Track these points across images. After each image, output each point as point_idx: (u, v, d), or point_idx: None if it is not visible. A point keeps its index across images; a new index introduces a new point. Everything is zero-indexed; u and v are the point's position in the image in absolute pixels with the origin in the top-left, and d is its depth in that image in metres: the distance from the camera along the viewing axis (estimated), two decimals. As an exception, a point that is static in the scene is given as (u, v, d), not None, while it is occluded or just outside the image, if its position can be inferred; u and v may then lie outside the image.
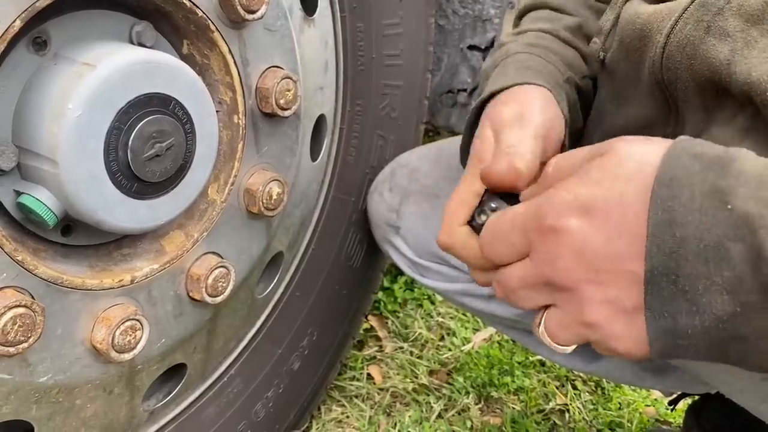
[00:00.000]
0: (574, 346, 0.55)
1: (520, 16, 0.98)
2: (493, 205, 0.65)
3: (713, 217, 0.45)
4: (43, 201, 0.70)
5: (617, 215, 0.48)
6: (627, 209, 0.48)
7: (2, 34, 0.62)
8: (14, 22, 0.63)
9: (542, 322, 0.55)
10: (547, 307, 0.55)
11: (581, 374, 1.60)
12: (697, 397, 1.25)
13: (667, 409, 1.48)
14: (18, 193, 0.71)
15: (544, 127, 0.72)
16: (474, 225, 0.67)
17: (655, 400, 1.58)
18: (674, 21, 0.66)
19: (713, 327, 0.46)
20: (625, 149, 0.50)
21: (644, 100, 0.74)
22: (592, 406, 1.53)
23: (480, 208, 0.67)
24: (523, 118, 0.72)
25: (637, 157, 0.49)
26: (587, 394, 1.56)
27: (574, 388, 1.57)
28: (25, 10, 0.63)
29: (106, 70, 0.69)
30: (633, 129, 0.76)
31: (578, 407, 1.52)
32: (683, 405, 1.31)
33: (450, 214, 0.70)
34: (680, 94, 0.69)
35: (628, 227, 0.48)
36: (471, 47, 1.46)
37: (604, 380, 1.60)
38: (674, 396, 1.24)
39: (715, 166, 0.46)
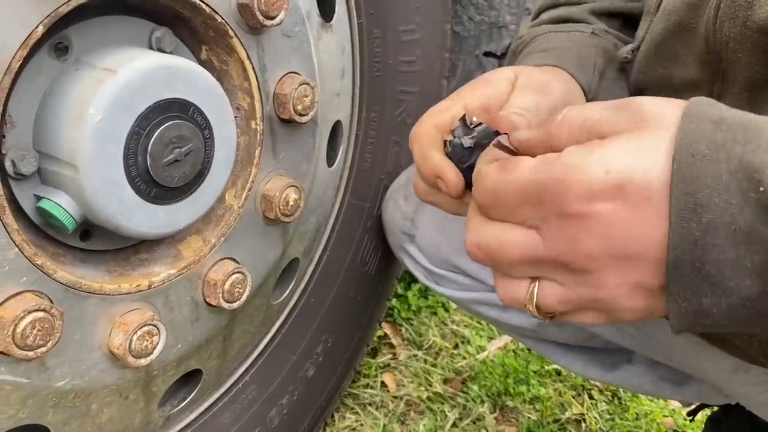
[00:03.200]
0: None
1: (537, 14, 0.98)
2: (475, 125, 0.59)
3: (744, 199, 0.41)
4: (62, 206, 0.71)
5: (652, 195, 0.44)
6: (657, 187, 0.44)
7: (25, 40, 0.62)
8: (37, 27, 0.63)
9: (533, 295, 0.51)
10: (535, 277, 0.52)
11: (598, 384, 1.59)
12: (716, 408, 1.23)
13: (686, 419, 1.46)
14: (38, 198, 0.71)
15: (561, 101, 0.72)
16: (454, 145, 0.60)
17: (673, 410, 1.56)
18: None
19: (739, 306, 0.44)
20: (650, 107, 0.46)
21: (691, 70, 0.72)
22: (608, 416, 1.52)
23: (462, 128, 0.60)
24: (545, 86, 0.72)
25: (661, 121, 0.45)
26: (604, 403, 1.55)
27: (591, 397, 1.56)
28: (48, 16, 0.64)
29: (126, 75, 0.69)
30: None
31: (595, 417, 1.50)
32: (702, 416, 1.29)
33: (424, 132, 0.66)
34: (730, 56, 0.66)
35: (659, 208, 0.44)
36: (486, 54, 1.46)
37: (621, 390, 1.58)
38: (693, 407, 1.23)
39: (739, 137, 0.42)
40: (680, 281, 0.44)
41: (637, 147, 0.44)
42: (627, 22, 0.92)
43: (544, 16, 0.95)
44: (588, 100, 0.79)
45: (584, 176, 0.45)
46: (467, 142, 0.59)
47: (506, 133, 0.57)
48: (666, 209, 0.43)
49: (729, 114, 0.44)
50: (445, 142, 0.62)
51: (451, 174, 0.61)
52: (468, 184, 0.60)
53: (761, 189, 0.41)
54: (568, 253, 0.47)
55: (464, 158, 0.60)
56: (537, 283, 0.50)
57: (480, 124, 0.60)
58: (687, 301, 0.45)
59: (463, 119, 0.61)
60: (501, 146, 0.53)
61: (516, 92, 0.71)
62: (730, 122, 0.43)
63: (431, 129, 0.66)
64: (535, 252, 0.49)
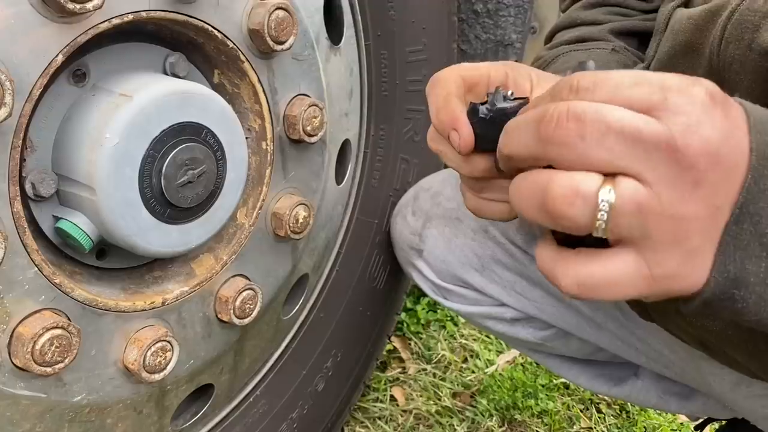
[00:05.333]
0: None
1: (551, 37, 1.00)
2: (509, 98, 0.57)
3: None
4: (80, 226, 0.73)
5: (742, 124, 0.44)
6: (744, 122, 0.44)
7: (45, 68, 0.65)
8: (57, 56, 0.66)
9: (612, 188, 0.43)
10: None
11: (606, 397, 1.59)
12: (723, 422, 1.23)
13: (694, 433, 1.46)
14: (56, 219, 0.74)
15: None
16: (480, 112, 0.57)
17: (681, 424, 1.56)
18: (738, 2, 0.66)
19: None
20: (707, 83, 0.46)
21: None
22: (616, 430, 1.52)
23: (497, 97, 0.57)
24: None
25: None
26: (612, 417, 1.55)
27: (599, 411, 1.56)
28: (67, 45, 0.66)
29: (142, 100, 0.72)
30: None
31: (602, 431, 1.51)
32: (710, 430, 1.29)
33: (451, 79, 0.63)
34: (733, 78, 0.68)
35: (744, 137, 0.44)
36: (493, 71, 1.47)
37: (628, 404, 1.58)
38: (700, 420, 1.23)
39: None
40: (737, 236, 0.44)
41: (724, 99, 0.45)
42: (643, 41, 0.94)
43: (563, 37, 0.97)
44: None
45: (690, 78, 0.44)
46: (495, 112, 0.58)
47: None
48: (747, 143, 0.44)
49: None
50: (471, 104, 0.61)
51: (466, 130, 0.59)
52: (477, 148, 0.60)
53: None
54: (687, 134, 0.42)
55: (482, 126, 0.59)
56: (615, 177, 0.43)
57: (513, 100, 0.59)
58: (733, 263, 0.44)
59: (497, 90, 0.59)
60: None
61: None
62: None
63: (459, 78, 0.64)
64: (644, 127, 0.42)
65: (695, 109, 0.43)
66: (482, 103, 0.59)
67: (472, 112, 0.60)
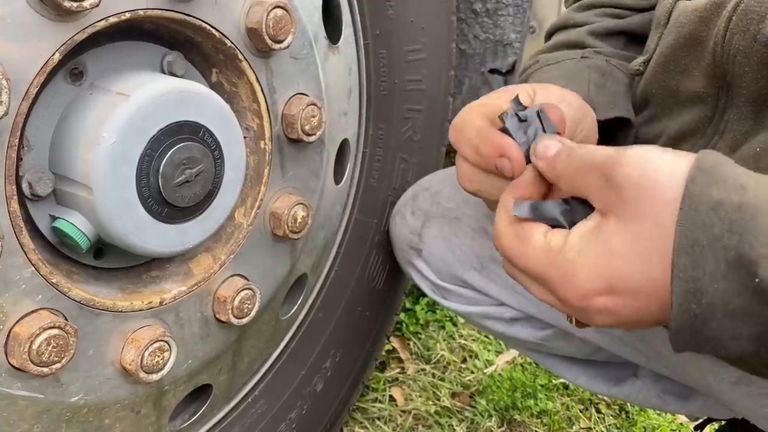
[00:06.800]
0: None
1: (549, 36, 1.00)
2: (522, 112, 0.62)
3: (741, 286, 0.45)
4: (77, 225, 0.73)
5: (644, 288, 0.49)
6: (653, 277, 0.48)
7: (42, 67, 0.65)
8: (53, 55, 0.65)
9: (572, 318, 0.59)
10: None
11: (605, 397, 1.59)
12: (723, 422, 1.23)
13: (693, 434, 1.45)
14: (53, 218, 0.74)
15: (578, 110, 0.75)
16: (511, 117, 0.63)
17: (681, 424, 1.56)
18: None
19: (737, 357, 0.49)
20: (639, 184, 0.49)
21: (698, 82, 0.74)
22: (616, 430, 1.52)
23: (516, 105, 0.64)
24: (563, 98, 0.75)
25: (656, 200, 0.48)
26: (611, 417, 1.55)
27: (598, 411, 1.56)
28: (64, 44, 0.66)
29: (139, 99, 0.71)
30: (670, 141, 0.77)
31: (602, 431, 1.50)
32: (709, 430, 1.29)
33: (476, 116, 0.67)
34: (737, 70, 0.68)
35: (656, 298, 0.48)
36: (492, 71, 1.48)
37: (628, 404, 1.58)
38: (700, 421, 1.23)
39: (735, 226, 0.45)
40: (682, 341, 0.49)
41: (632, 244, 0.49)
42: (632, 39, 0.94)
43: (550, 42, 0.97)
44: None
45: (580, 277, 0.51)
46: (524, 115, 0.62)
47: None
48: (664, 297, 0.48)
49: (725, 192, 0.46)
50: (501, 118, 0.63)
51: (515, 149, 0.62)
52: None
53: (757, 280, 0.44)
54: (584, 320, 0.55)
55: (520, 133, 0.62)
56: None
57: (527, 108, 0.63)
58: (689, 348, 0.50)
59: (516, 98, 0.63)
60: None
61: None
62: (727, 206, 0.46)
63: (482, 115, 0.67)
64: (549, 300, 0.57)
65: (574, 310, 0.53)
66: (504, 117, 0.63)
67: (509, 124, 0.62)
